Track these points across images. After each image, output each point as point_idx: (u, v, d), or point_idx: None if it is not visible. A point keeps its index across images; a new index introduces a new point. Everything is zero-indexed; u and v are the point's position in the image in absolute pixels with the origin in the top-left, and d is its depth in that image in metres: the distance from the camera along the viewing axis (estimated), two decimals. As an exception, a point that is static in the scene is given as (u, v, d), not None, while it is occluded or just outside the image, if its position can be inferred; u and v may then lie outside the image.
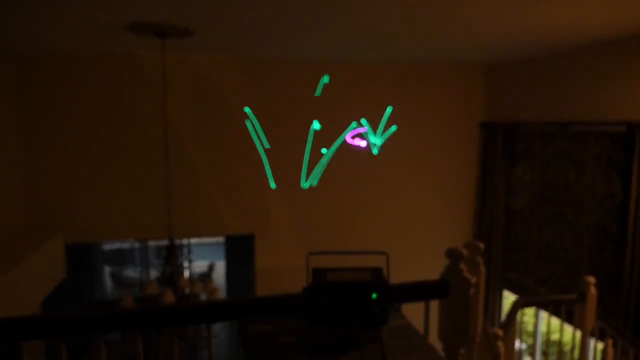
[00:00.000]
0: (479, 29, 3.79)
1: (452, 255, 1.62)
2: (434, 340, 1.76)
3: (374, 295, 1.49)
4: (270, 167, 5.35)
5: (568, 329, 3.94)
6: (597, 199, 4.41)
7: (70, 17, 3.29)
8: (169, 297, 3.73)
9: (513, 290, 5.62)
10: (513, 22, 3.55)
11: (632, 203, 3.92)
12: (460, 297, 1.61)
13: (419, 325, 1.91)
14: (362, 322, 1.46)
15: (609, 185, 4.28)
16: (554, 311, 3.64)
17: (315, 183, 5.49)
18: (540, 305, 4.28)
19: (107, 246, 11.58)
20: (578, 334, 3.64)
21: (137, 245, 11.31)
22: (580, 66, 4.58)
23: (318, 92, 5.23)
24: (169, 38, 3.74)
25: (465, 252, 1.64)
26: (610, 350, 3.64)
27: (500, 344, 3.13)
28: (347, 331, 1.46)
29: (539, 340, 5.17)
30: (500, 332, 3.20)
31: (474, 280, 1.64)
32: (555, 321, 4.27)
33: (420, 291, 1.68)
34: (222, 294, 5.60)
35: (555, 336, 6.07)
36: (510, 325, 3.50)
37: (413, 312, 2.03)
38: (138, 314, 1.53)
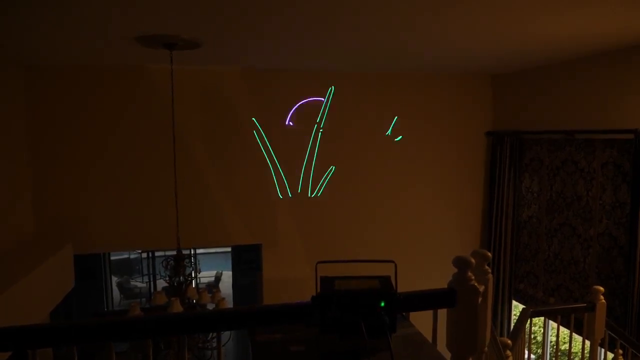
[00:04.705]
0: (486, 39, 3.81)
1: (460, 263, 1.61)
2: (442, 349, 1.75)
3: (382, 303, 1.49)
4: (277, 177, 5.37)
5: (577, 338, 3.91)
6: (605, 208, 4.38)
7: (79, 28, 3.33)
8: (177, 307, 3.74)
9: (522, 300, 5.58)
10: (520, 31, 3.56)
11: (641, 212, 3.90)
12: (468, 305, 1.60)
13: (427, 334, 1.90)
14: (371, 330, 1.46)
15: (617, 195, 4.26)
16: (563, 321, 3.62)
17: (321, 193, 5.50)
18: (549, 314, 4.24)
19: (115, 256, 11.61)
20: (587, 343, 3.61)
21: (144, 255, 11.34)
22: (588, 74, 4.57)
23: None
24: (176, 49, 3.78)
25: (473, 260, 1.63)
26: (621, 360, 3.61)
27: (509, 353, 3.11)
28: (357, 340, 1.46)
29: (548, 350, 5.12)
30: (509, 342, 3.18)
31: (481, 288, 1.63)
32: (564, 331, 4.24)
33: (428, 299, 1.68)
34: (229, 303, 5.59)
35: (564, 346, 6.02)
36: (519, 334, 3.48)
37: (421, 320, 2.03)
38: (148, 321, 1.54)
